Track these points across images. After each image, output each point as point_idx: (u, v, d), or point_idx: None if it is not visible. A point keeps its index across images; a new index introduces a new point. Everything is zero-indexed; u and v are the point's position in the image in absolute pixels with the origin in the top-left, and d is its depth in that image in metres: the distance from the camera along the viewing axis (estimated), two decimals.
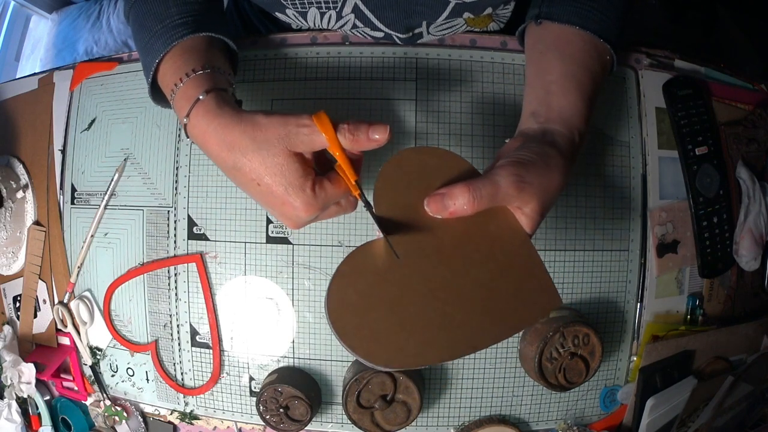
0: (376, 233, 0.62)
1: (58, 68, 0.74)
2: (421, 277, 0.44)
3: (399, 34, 0.63)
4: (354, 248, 0.44)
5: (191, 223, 0.67)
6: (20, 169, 0.75)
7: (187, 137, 0.50)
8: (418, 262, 0.44)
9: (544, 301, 0.46)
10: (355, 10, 0.61)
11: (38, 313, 0.74)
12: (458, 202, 0.43)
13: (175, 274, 0.67)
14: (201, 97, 0.48)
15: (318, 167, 0.48)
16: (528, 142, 0.48)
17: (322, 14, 0.63)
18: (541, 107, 0.51)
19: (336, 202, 0.48)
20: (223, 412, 0.69)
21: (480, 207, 0.44)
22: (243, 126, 0.46)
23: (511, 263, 0.46)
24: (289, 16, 0.65)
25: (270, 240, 0.65)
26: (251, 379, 0.67)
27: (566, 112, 0.51)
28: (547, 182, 0.46)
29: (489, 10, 0.63)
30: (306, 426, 0.64)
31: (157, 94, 0.57)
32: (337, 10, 0.61)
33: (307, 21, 0.65)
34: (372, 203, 0.46)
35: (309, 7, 0.62)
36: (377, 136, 0.44)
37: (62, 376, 0.73)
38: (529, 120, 0.52)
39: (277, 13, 0.65)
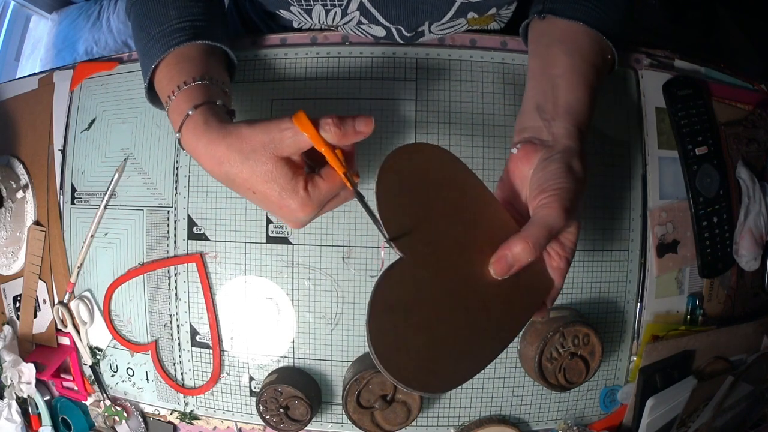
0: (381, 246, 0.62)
1: (58, 68, 0.74)
2: (442, 285, 0.43)
3: (402, 29, 0.63)
4: (378, 278, 0.42)
5: (191, 223, 0.67)
6: (20, 169, 0.75)
7: (182, 149, 0.51)
8: (435, 266, 0.44)
9: (539, 284, 0.47)
10: (360, 7, 0.61)
11: (38, 313, 0.74)
12: (522, 258, 0.44)
13: (175, 274, 0.67)
14: (190, 112, 0.49)
15: (313, 163, 0.49)
16: (551, 162, 0.47)
17: (327, 11, 0.63)
18: (546, 102, 0.51)
19: (335, 195, 0.48)
20: (223, 412, 0.69)
21: (540, 251, 0.45)
22: (229, 140, 0.47)
23: None
24: (293, 13, 0.65)
25: (270, 240, 0.65)
26: (251, 379, 0.67)
27: (574, 108, 0.51)
28: (582, 199, 0.47)
29: (493, 10, 0.63)
30: (306, 426, 0.64)
31: (154, 97, 0.58)
32: (342, 7, 0.61)
33: (311, 18, 0.65)
34: (371, 205, 0.45)
35: (314, 5, 0.62)
36: (362, 128, 0.46)
37: (62, 376, 0.73)
38: (533, 114, 0.51)
39: (280, 10, 0.65)
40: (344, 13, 0.62)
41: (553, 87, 0.52)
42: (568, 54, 0.53)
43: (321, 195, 0.47)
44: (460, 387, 0.65)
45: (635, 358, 0.67)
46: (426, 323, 0.42)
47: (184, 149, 0.51)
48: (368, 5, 0.60)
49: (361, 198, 0.46)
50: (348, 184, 0.46)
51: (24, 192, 0.74)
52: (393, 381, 0.40)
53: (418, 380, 0.40)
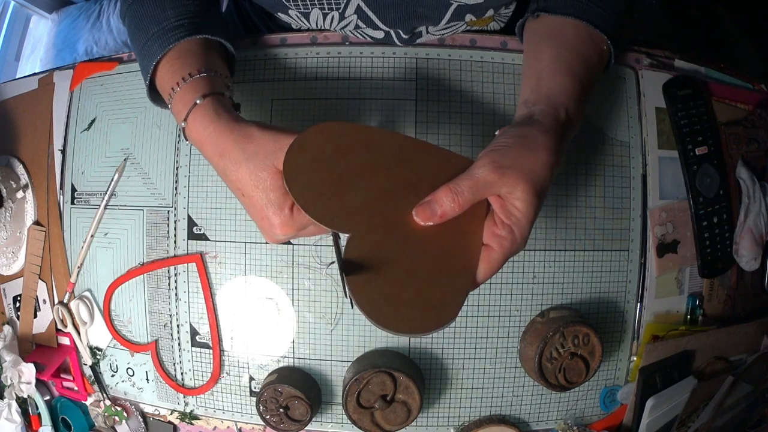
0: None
1: (58, 68, 0.74)
2: (399, 237, 0.45)
3: (401, 32, 0.64)
4: (339, 266, 0.43)
5: (191, 223, 0.67)
6: (20, 169, 0.75)
7: (186, 140, 0.52)
8: (382, 225, 0.45)
9: (467, 251, 0.46)
10: (358, 11, 0.61)
11: (38, 313, 0.74)
12: (445, 204, 0.44)
13: (175, 274, 0.67)
14: (198, 101, 0.49)
15: None
16: (507, 129, 0.48)
17: (325, 15, 0.63)
18: (532, 94, 0.52)
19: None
20: (223, 412, 0.69)
21: (465, 202, 0.44)
22: (236, 136, 0.47)
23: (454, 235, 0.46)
24: (291, 17, 0.65)
25: None
26: (251, 379, 0.67)
27: (553, 93, 0.51)
28: (531, 162, 0.45)
29: (491, 12, 0.63)
30: (306, 426, 0.64)
31: (155, 95, 0.58)
32: (340, 11, 0.61)
33: (309, 21, 0.65)
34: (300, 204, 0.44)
35: (312, 8, 0.62)
36: None
37: (62, 376, 0.73)
38: (521, 108, 0.52)
39: (279, 14, 0.66)
40: (342, 17, 0.62)
41: (538, 79, 0.52)
42: (553, 47, 0.54)
43: (304, 220, 0.46)
44: (460, 387, 0.65)
45: (635, 358, 0.67)
46: (405, 272, 0.44)
47: (187, 139, 0.51)
48: (365, 9, 0.60)
49: (336, 238, 0.46)
50: None
51: (24, 192, 0.74)
52: (407, 335, 0.43)
53: (426, 323, 0.43)
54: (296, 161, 0.44)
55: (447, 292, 0.45)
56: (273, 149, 0.45)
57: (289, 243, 0.65)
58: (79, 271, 0.70)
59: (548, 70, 0.52)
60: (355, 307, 0.43)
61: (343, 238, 0.45)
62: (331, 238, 0.46)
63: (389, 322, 0.43)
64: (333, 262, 0.64)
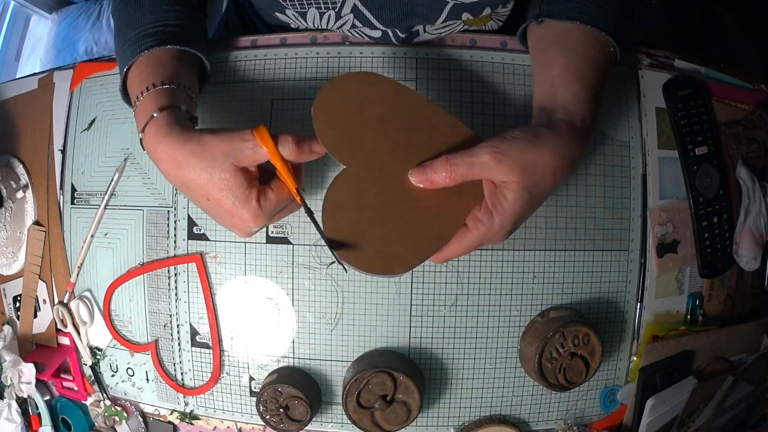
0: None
1: (58, 68, 0.74)
2: (387, 184, 0.49)
3: (397, 31, 0.64)
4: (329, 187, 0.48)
5: (191, 223, 0.67)
6: (20, 169, 0.75)
7: (143, 149, 0.52)
8: (378, 169, 0.48)
9: (451, 220, 0.49)
10: (354, 10, 0.61)
11: (38, 313, 0.74)
12: (437, 172, 0.46)
13: (175, 274, 0.67)
14: (155, 114, 0.50)
15: (261, 175, 0.50)
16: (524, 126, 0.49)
17: (322, 14, 0.63)
18: (547, 102, 0.52)
19: (283, 207, 0.51)
20: (223, 412, 0.69)
21: (457, 176, 0.46)
22: (190, 146, 0.48)
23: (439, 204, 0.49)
24: (288, 16, 0.65)
25: (270, 240, 0.65)
26: (251, 379, 0.67)
27: (568, 102, 0.52)
28: (532, 157, 0.47)
29: (488, 11, 0.63)
30: (306, 426, 0.64)
31: (128, 99, 0.58)
32: (336, 10, 0.61)
33: (306, 21, 0.65)
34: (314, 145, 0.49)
35: (308, 8, 0.62)
36: (318, 149, 0.48)
37: (62, 376, 0.73)
38: (538, 115, 0.53)
39: (277, 14, 0.66)
40: (338, 16, 0.63)
41: (552, 87, 0.53)
42: (563, 54, 0.54)
43: (271, 207, 0.49)
44: (460, 387, 0.65)
45: (635, 358, 0.67)
46: (379, 215, 0.48)
47: (144, 150, 0.52)
48: (361, 8, 0.61)
49: (310, 213, 0.49)
50: (299, 200, 0.49)
51: (24, 192, 0.74)
52: (349, 266, 0.47)
53: (374, 266, 0.47)
54: (327, 95, 0.49)
55: (408, 250, 0.48)
56: (229, 149, 0.47)
57: (288, 243, 0.65)
58: (79, 271, 0.70)
59: (560, 78, 0.53)
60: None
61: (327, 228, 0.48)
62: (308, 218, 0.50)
63: (342, 249, 0.47)
64: (332, 262, 0.64)
